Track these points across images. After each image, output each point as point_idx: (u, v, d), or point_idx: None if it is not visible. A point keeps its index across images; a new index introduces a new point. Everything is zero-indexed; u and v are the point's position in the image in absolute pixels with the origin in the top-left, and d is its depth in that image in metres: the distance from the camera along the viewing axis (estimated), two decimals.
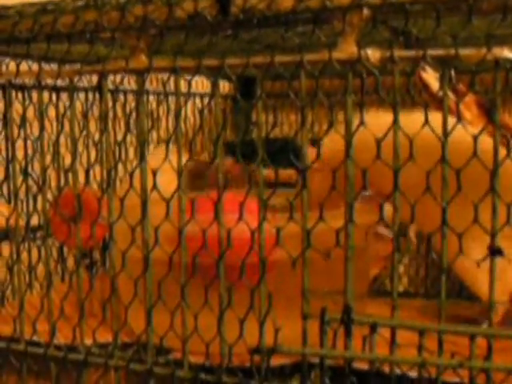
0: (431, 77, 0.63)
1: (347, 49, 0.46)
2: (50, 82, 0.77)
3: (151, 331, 0.54)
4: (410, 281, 0.95)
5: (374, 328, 0.47)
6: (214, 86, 0.53)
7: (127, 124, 0.66)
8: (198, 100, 1.05)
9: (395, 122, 0.46)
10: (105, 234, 0.62)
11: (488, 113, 0.67)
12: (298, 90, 0.47)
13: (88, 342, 0.58)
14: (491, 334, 0.45)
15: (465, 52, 0.44)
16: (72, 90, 0.55)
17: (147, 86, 0.76)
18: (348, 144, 0.47)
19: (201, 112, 1.03)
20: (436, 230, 0.46)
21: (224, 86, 1.08)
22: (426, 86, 0.63)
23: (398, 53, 0.45)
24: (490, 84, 0.44)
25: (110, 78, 0.57)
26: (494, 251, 0.45)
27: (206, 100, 1.05)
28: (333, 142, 0.50)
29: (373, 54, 0.46)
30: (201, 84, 1.04)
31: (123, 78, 0.57)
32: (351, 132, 0.47)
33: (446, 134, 0.46)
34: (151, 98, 0.95)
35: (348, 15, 0.46)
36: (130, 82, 0.78)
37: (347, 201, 0.47)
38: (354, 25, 0.46)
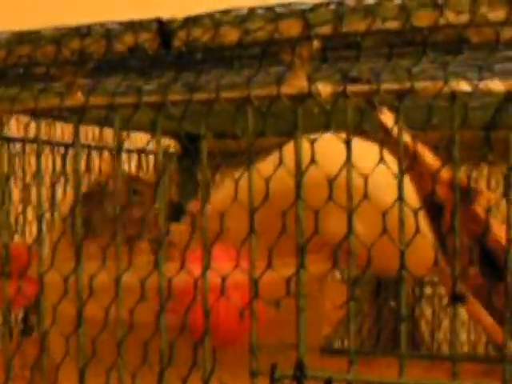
0: (389, 118, 0.61)
1: (297, 83, 0.44)
2: None
3: None
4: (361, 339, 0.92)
5: (328, 383, 0.43)
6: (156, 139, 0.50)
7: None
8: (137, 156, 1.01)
9: (348, 160, 0.43)
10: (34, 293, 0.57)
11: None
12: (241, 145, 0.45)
13: None
14: None
15: (420, 85, 0.42)
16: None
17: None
18: (298, 184, 0.44)
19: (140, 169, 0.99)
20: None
21: (168, 144, 1.05)
22: (384, 128, 0.61)
23: (351, 87, 0.43)
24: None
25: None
26: (456, 298, 0.42)
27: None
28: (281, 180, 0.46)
29: (324, 88, 0.43)
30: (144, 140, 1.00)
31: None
32: (302, 171, 0.44)
33: (401, 176, 0.43)
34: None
35: (297, 48, 0.43)
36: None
37: (298, 245, 0.44)
38: (304, 58, 0.44)
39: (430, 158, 0.70)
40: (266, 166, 0.47)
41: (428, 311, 1.01)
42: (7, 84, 0.50)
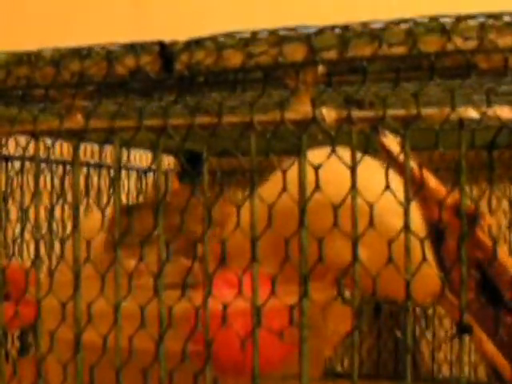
0: (392, 142, 0.60)
1: (301, 108, 0.43)
2: None
3: None
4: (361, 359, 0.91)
5: None
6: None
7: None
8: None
9: (353, 186, 0.43)
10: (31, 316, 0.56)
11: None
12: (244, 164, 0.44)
13: None
14: None
15: (427, 112, 0.41)
16: None
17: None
18: (302, 210, 0.43)
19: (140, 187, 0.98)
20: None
21: (169, 162, 1.04)
22: (387, 152, 0.60)
23: (356, 113, 0.42)
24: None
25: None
26: (463, 329, 0.41)
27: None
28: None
29: (328, 113, 0.42)
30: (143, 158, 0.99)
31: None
32: (306, 197, 0.43)
33: (408, 203, 0.43)
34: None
35: (302, 72, 0.43)
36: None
37: (301, 273, 0.43)
38: (308, 83, 0.43)
39: (434, 182, 0.69)
40: (268, 190, 0.46)
41: (428, 332, 1.00)
42: (6, 105, 0.50)
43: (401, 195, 0.43)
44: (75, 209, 0.48)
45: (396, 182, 0.45)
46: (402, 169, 0.61)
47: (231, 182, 1.10)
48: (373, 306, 0.97)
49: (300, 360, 0.43)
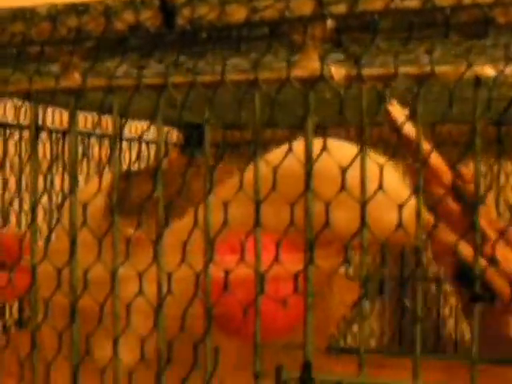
0: (398, 111, 0.58)
1: (308, 65, 0.41)
2: None
3: None
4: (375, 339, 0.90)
5: None
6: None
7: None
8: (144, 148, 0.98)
9: (362, 151, 0.41)
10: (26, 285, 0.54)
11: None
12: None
13: None
14: None
15: (441, 69, 0.39)
16: None
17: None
18: (308, 173, 0.41)
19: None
20: None
21: (172, 134, 1.02)
22: (392, 122, 0.58)
23: (367, 70, 0.40)
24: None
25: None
26: (476, 297, 0.39)
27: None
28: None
29: (337, 70, 0.40)
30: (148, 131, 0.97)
31: None
32: (312, 160, 0.41)
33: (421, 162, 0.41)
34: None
35: (309, 27, 0.40)
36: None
37: (307, 239, 0.41)
38: (316, 38, 0.41)
39: (436, 158, 0.68)
40: (274, 156, 0.44)
41: (433, 308, 0.98)
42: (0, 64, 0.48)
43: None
44: (72, 172, 0.46)
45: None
46: (405, 139, 0.59)
47: (232, 155, 1.09)
48: (377, 282, 0.95)
49: (305, 328, 0.41)
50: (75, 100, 0.45)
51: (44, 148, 0.78)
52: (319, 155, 0.41)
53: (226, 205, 0.42)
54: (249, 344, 0.43)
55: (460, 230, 0.61)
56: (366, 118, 0.40)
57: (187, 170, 0.50)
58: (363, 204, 0.40)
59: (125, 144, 0.88)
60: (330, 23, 0.40)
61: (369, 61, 0.43)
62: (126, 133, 0.88)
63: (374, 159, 0.42)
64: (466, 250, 0.65)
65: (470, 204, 0.64)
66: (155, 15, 0.43)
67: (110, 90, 0.44)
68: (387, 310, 0.97)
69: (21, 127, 0.74)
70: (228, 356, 0.45)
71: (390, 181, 0.45)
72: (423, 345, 0.41)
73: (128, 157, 0.89)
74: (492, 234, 0.62)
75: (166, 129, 0.98)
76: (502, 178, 0.98)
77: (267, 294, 0.42)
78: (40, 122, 0.62)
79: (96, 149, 0.86)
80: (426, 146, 0.62)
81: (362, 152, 0.40)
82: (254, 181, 0.42)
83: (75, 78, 0.45)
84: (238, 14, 0.41)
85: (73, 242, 0.46)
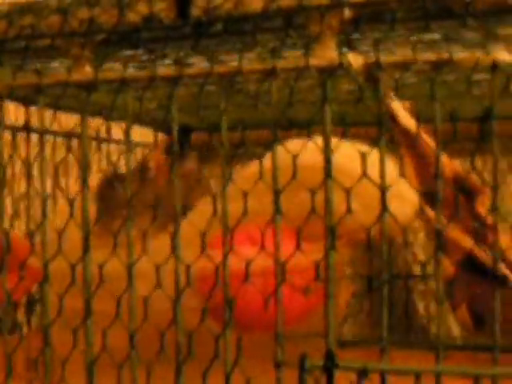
0: (398, 106, 0.59)
1: (326, 54, 0.41)
2: None
3: None
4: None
5: (362, 374, 0.41)
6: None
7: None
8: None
9: (380, 144, 0.41)
10: (32, 285, 0.54)
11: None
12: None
13: None
14: (496, 374, 0.39)
15: (459, 55, 0.39)
16: None
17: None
18: (328, 160, 0.41)
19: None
20: None
21: (161, 138, 1.01)
22: (393, 117, 0.59)
23: (385, 57, 0.40)
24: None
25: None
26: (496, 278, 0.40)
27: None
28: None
29: (355, 58, 0.41)
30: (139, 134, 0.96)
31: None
32: (330, 147, 0.41)
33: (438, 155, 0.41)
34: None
35: (327, 16, 0.41)
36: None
37: (327, 226, 0.41)
38: (334, 28, 0.41)
39: (431, 148, 0.68)
40: (293, 145, 0.44)
41: (420, 305, 0.99)
42: (8, 58, 0.47)
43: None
44: (84, 166, 0.46)
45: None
46: (402, 133, 0.60)
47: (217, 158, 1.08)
48: (366, 280, 0.96)
49: (326, 316, 0.41)
50: (87, 93, 0.45)
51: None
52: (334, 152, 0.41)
53: (245, 194, 0.42)
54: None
55: (460, 219, 0.62)
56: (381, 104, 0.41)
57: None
58: (383, 194, 0.41)
59: (113, 146, 0.87)
60: (347, 12, 0.41)
61: (386, 49, 0.43)
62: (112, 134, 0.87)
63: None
64: (468, 243, 0.66)
65: (470, 194, 0.65)
66: (169, 6, 0.42)
67: (123, 82, 0.44)
68: (376, 308, 0.97)
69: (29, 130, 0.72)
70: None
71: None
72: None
73: (116, 159, 0.88)
74: (492, 222, 0.63)
75: (151, 132, 0.98)
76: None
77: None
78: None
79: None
80: (425, 137, 0.63)
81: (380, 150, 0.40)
82: (273, 170, 0.42)
83: (86, 71, 0.45)
84: (254, 3, 0.41)
85: (86, 239, 0.45)
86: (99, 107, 0.62)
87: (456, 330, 0.91)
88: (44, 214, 0.47)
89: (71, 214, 0.45)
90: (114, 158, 0.87)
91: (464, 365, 0.41)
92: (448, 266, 0.69)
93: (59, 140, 0.79)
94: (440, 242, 0.42)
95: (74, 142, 0.81)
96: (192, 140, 1.00)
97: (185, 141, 0.96)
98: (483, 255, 0.67)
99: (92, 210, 0.62)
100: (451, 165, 0.65)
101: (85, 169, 0.46)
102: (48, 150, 0.76)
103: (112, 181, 0.74)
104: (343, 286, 0.61)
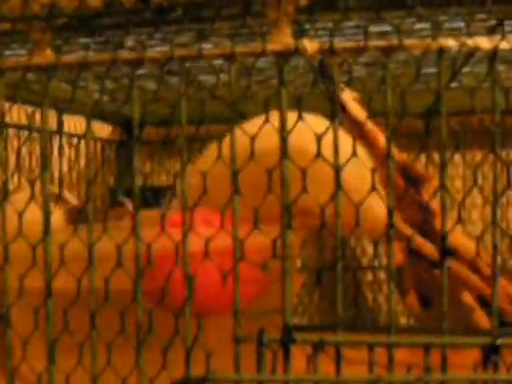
0: (349, 98, 0.61)
1: (282, 39, 0.43)
2: None
3: (54, 372, 0.46)
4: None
5: (319, 347, 0.42)
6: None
7: None
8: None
9: (336, 121, 0.43)
10: None
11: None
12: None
13: None
14: (445, 343, 0.42)
15: (408, 42, 0.41)
16: None
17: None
18: (283, 140, 0.43)
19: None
20: None
21: (104, 130, 1.02)
22: (343, 108, 0.61)
23: (338, 43, 0.42)
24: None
25: None
26: (446, 252, 0.42)
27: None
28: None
29: (310, 44, 0.42)
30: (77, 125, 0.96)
31: None
32: (286, 128, 0.43)
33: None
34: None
35: (283, 3, 0.42)
36: None
37: (284, 204, 0.43)
38: (290, 14, 0.43)
39: (380, 138, 0.71)
40: (249, 126, 0.45)
41: (369, 297, 1.02)
42: None
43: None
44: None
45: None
46: (352, 123, 0.62)
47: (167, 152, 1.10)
48: (315, 273, 0.98)
49: (283, 292, 0.43)
50: (47, 78, 0.46)
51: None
52: (293, 127, 0.43)
53: (204, 175, 0.43)
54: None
55: (404, 205, 0.65)
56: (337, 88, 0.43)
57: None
58: (337, 171, 0.43)
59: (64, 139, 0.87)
60: (302, 0, 0.42)
61: (341, 36, 0.45)
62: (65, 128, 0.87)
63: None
64: (408, 231, 0.68)
65: (416, 182, 0.68)
66: None
67: (84, 65, 0.44)
68: (325, 300, 0.99)
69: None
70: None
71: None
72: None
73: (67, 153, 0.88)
74: (437, 208, 0.66)
75: (100, 125, 0.98)
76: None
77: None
78: None
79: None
80: (370, 125, 0.65)
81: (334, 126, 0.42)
82: (231, 150, 0.43)
83: (48, 55, 0.45)
84: None
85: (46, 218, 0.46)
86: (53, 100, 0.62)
87: (403, 319, 0.94)
88: (4, 195, 0.47)
89: (32, 195, 0.46)
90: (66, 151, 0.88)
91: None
92: (397, 254, 0.71)
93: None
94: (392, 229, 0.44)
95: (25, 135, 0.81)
96: (145, 135, 1.00)
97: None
98: (422, 242, 0.70)
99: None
100: (398, 155, 0.67)
101: (44, 151, 0.47)
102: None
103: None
104: (294, 278, 0.63)
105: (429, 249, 0.70)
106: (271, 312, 0.45)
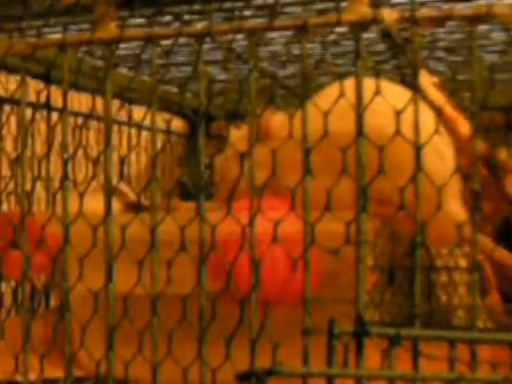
0: (428, 83, 0.57)
1: (359, 9, 0.40)
2: None
3: (113, 359, 0.44)
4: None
5: (395, 340, 0.39)
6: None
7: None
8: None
9: (415, 95, 0.39)
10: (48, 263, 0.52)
11: None
12: None
13: (32, 376, 0.47)
14: None
15: (498, 8, 0.38)
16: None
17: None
18: (359, 117, 0.40)
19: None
20: None
21: (178, 124, 1.01)
22: (422, 92, 0.58)
23: (420, 12, 0.39)
24: None
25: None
26: None
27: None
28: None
29: (389, 13, 0.39)
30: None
31: None
32: (363, 103, 0.40)
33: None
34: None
35: None
36: None
37: (359, 186, 0.40)
38: None
39: (463, 126, 0.67)
40: (321, 101, 0.42)
41: (443, 298, 0.97)
42: (32, 17, 0.46)
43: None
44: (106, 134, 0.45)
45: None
46: (431, 108, 0.58)
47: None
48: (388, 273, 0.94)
49: (356, 281, 0.40)
50: (110, 51, 0.44)
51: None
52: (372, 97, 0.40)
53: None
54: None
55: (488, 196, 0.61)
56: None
57: None
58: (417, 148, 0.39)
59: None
60: None
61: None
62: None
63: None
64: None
65: (499, 174, 0.63)
66: None
67: (148, 39, 0.42)
68: (397, 299, 0.95)
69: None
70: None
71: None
72: None
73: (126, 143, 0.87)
74: None
75: (167, 117, 0.97)
76: None
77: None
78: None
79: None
80: (450, 110, 0.61)
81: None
82: (303, 126, 0.40)
83: (111, 29, 0.43)
84: None
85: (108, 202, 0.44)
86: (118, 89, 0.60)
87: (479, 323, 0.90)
88: (66, 176, 0.45)
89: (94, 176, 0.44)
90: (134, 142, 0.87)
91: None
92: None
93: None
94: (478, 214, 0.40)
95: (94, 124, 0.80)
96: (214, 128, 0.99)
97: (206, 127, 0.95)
98: (504, 254, 0.66)
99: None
100: (480, 144, 0.63)
101: (108, 136, 0.45)
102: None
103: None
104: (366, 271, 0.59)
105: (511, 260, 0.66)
106: (343, 302, 0.42)
